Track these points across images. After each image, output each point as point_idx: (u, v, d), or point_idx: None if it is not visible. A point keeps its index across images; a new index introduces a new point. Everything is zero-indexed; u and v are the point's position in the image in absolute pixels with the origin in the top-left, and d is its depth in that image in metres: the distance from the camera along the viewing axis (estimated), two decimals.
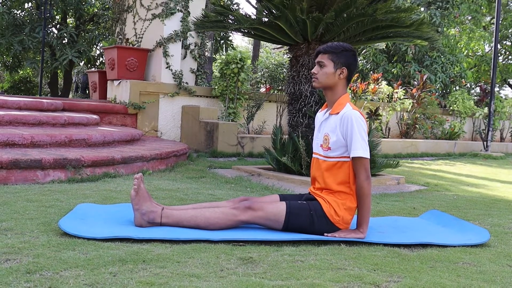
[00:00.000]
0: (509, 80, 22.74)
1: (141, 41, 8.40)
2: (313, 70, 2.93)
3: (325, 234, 2.76)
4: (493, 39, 11.65)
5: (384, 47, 13.37)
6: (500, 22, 14.84)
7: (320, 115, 3.04)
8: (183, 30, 8.01)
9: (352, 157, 2.78)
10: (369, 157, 2.79)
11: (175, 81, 7.95)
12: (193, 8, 8.08)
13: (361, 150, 2.75)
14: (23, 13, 13.91)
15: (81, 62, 13.89)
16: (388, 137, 10.61)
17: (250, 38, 23.49)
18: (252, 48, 18.90)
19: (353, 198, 2.83)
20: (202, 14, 5.79)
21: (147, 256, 2.24)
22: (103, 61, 13.86)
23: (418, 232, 3.02)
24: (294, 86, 5.37)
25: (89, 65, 14.43)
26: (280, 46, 14.54)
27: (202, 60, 8.48)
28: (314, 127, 3.13)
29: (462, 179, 6.38)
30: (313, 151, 3.02)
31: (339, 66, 2.87)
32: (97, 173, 4.44)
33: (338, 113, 2.85)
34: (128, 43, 8.47)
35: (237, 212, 2.73)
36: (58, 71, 15.18)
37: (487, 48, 18.87)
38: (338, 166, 2.83)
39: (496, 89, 19.23)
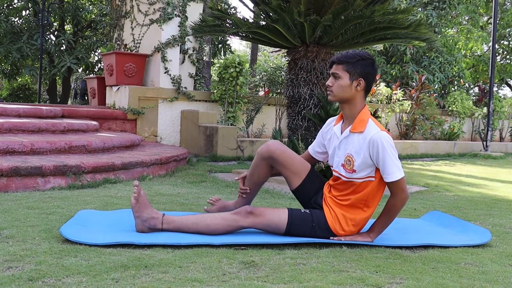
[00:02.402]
0: (507, 79, 22.76)
1: (139, 46, 8.41)
2: (327, 82, 2.75)
3: (331, 237, 2.72)
4: (491, 39, 11.67)
5: (382, 49, 13.39)
6: (498, 21, 14.86)
7: (337, 130, 2.82)
8: (181, 35, 8.02)
9: (389, 182, 2.65)
10: (404, 175, 2.66)
11: (173, 86, 7.96)
12: (191, 13, 8.09)
13: (398, 172, 2.62)
14: (21, 20, 13.93)
15: (80, 68, 13.90)
16: None
17: (248, 42, 23.51)
18: (250, 52, 18.91)
19: (364, 213, 2.73)
20: (200, 19, 5.80)
21: (149, 261, 2.24)
22: (102, 67, 13.87)
23: (420, 233, 3.01)
24: (293, 89, 5.38)
25: (87, 72, 14.44)
26: (278, 49, 14.55)
27: (201, 65, 8.49)
28: (319, 132, 2.98)
29: (462, 180, 6.38)
30: (333, 168, 2.83)
31: (356, 78, 2.68)
32: (98, 179, 4.44)
33: (362, 132, 2.67)
34: (126, 49, 8.48)
35: (238, 218, 2.70)
36: (57, 78, 15.21)
37: (485, 48, 18.90)
38: (362, 186, 2.70)
39: (495, 88, 19.26)
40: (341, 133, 2.79)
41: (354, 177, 2.69)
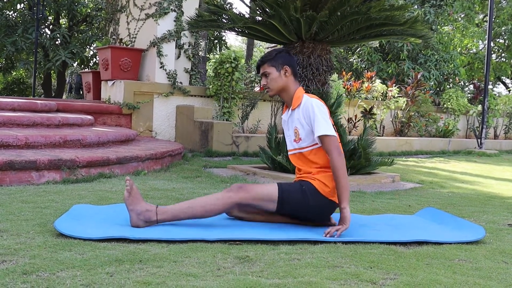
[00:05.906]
0: (502, 77, 22.83)
1: (134, 41, 8.38)
2: (262, 83, 3.08)
3: (324, 235, 2.74)
4: (486, 36, 11.70)
5: (378, 46, 13.39)
6: (493, 19, 14.89)
7: (284, 116, 3.15)
8: (176, 29, 7.99)
9: (319, 137, 2.88)
10: (335, 134, 2.89)
11: (169, 81, 7.94)
12: (187, 7, 8.07)
13: (323, 128, 2.86)
14: (15, 14, 13.84)
15: (74, 63, 13.83)
16: (382, 135, 10.64)
17: (244, 37, 23.49)
18: (246, 47, 18.90)
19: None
20: (196, 14, 5.79)
21: (144, 256, 2.23)
22: (97, 61, 13.81)
23: (414, 229, 3.02)
24: None
25: (82, 66, 14.37)
26: (274, 45, 14.52)
27: (196, 60, 8.47)
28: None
29: (457, 177, 6.41)
30: (288, 149, 3.12)
31: (281, 67, 3.01)
32: (92, 174, 4.43)
33: (299, 105, 2.99)
34: (121, 43, 8.45)
35: (231, 194, 2.80)
36: (52, 72, 15.13)
37: (480, 46, 18.94)
38: (314, 153, 2.96)
39: (490, 86, 19.30)
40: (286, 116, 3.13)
41: (302, 145, 2.99)
